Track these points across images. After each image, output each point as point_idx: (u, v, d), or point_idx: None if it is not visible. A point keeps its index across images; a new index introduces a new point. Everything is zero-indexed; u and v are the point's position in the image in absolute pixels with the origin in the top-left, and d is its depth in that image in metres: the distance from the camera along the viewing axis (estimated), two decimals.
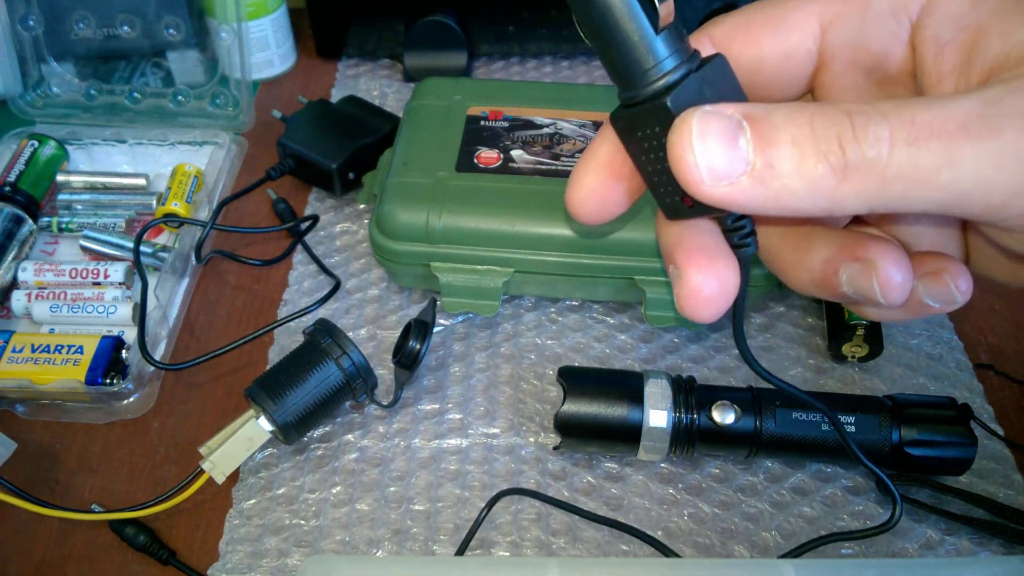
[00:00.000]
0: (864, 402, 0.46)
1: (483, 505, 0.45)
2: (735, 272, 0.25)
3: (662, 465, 0.48)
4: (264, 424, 0.46)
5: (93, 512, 0.45)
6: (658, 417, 0.44)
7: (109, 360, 0.50)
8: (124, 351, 0.51)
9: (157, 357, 0.52)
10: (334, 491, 0.47)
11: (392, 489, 0.47)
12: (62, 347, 0.50)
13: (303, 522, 0.46)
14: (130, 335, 0.53)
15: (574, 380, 0.46)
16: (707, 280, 0.24)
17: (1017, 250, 0.23)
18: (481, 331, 0.55)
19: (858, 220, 0.28)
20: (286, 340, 0.54)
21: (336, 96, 0.73)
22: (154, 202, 0.61)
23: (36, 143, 0.63)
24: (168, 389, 0.52)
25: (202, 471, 0.45)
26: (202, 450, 0.46)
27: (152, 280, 0.54)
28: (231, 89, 0.68)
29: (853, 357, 0.52)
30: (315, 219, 0.61)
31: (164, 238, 0.60)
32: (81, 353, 0.50)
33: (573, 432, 0.46)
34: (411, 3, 0.72)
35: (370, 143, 0.62)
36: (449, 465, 0.48)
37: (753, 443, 0.45)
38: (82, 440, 0.50)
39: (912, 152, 0.19)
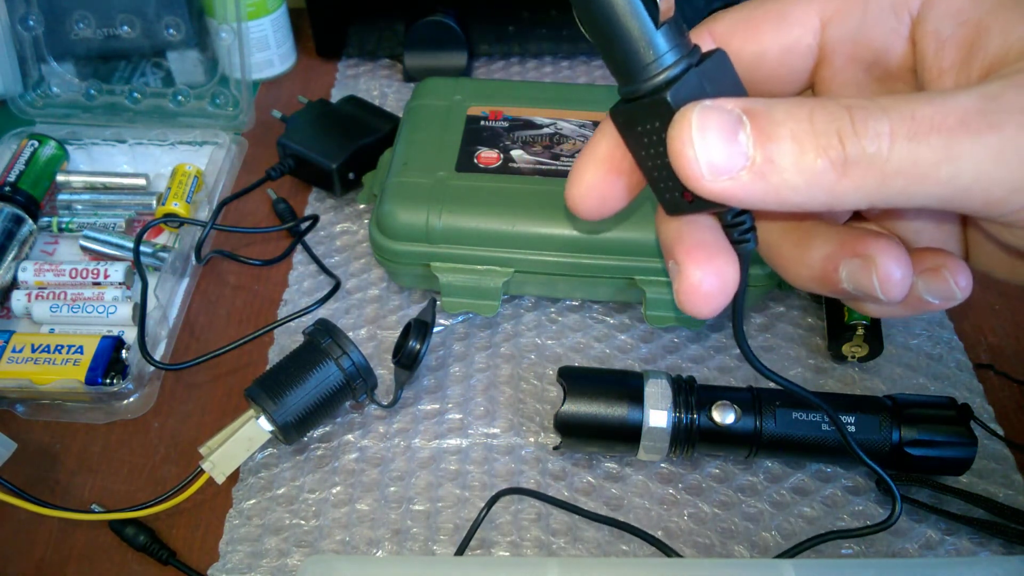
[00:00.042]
0: (864, 402, 0.46)
1: (483, 505, 0.45)
2: (735, 268, 0.25)
3: (662, 465, 0.48)
4: (264, 424, 0.45)
5: (93, 512, 0.45)
6: (658, 417, 0.44)
7: (109, 360, 0.50)
8: (124, 351, 0.51)
9: (157, 357, 0.52)
10: (334, 491, 0.47)
11: (392, 489, 0.47)
12: (62, 347, 0.50)
13: (303, 522, 0.46)
14: (130, 335, 0.53)
15: (574, 380, 0.46)
16: (707, 276, 0.24)
17: (1017, 246, 0.23)
18: (481, 331, 0.55)
19: (858, 216, 0.28)
20: (286, 340, 0.54)
21: (336, 96, 0.73)
22: (154, 202, 0.61)
23: (36, 143, 0.63)
24: (168, 389, 0.52)
25: (202, 471, 0.45)
26: (202, 450, 0.46)
27: (152, 280, 0.54)
28: (231, 89, 0.68)
29: (853, 357, 0.52)
30: (315, 219, 0.61)
31: (164, 238, 0.60)
32: (81, 353, 0.50)
33: (573, 432, 0.46)
34: (411, 3, 0.72)
35: (370, 143, 0.62)
36: (449, 465, 0.48)
37: (753, 443, 0.45)
38: (82, 440, 0.50)
39: (912, 147, 0.19)
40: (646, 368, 0.49)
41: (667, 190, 0.24)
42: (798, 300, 0.56)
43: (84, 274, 0.55)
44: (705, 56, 0.23)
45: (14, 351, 0.50)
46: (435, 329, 0.54)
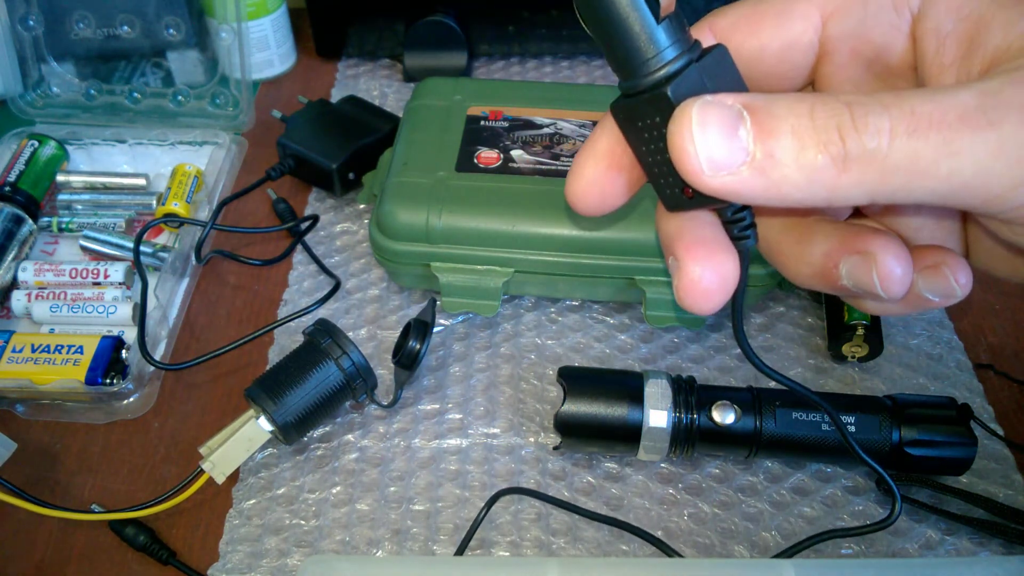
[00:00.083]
0: (864, 402, 0.46)
1: (483, 505, 0.45)
2: (735, 264, 0.25)
3: (662, 465, 0.48)
4: (264, 424, 0.45)
5: (93, 512, 0.45)
6: (658, 417, 0.44)
7: (109, 360, 0.50)
8: (124, 351, 0.51)
9: (157, 357, 0.52)
10: (334, 491, 0.47)
11: (392, 489, 0.47)
12: (62, 347, 0.50)
13: (303, 522, 0.46)
14: (130, 335, 0.53)
15: (574, 380, 0.46)
16: (706, 272, 0.24)
17: (1017, 243, 0.23)
18: (481, 331, 0.55)
19: (858, 213, 0.28)
20: (286, 340, 0.54)
21: (336, 96, 0.73)
22: (154, 202, 0.61)
23: (36, 143, 0.63)
24: (168, 389, 0.52)
25: (202, 471, 0.45)
26: (202, 450, 0.46)
27: (152, 280, 0.54)
28: (231, 89, 0.68)
29: (853, 357, 0.52)
30: (315, 219, 0.61)
31: (164, 238, 0.60)
32: (81, 353, 0.50)
33: (573, 432, 0.46)
34: (411, 3, 0.72)
35: (370, 143, 0.62)
36: (449, 465, 0.48)
37: (753, 443, 0.45)
38: (82, 440, 0.50)
39: (912, 143, 0.19)
40: (646, 368, 0.49)
41: (667, 186, 0.24)
42: (798, 300, 0.56)
43: (84, 274, 0.55)
44: (706, 51, 0.23)
45: (14, 351, 0.50)
46: (435, 329, 0.54)
